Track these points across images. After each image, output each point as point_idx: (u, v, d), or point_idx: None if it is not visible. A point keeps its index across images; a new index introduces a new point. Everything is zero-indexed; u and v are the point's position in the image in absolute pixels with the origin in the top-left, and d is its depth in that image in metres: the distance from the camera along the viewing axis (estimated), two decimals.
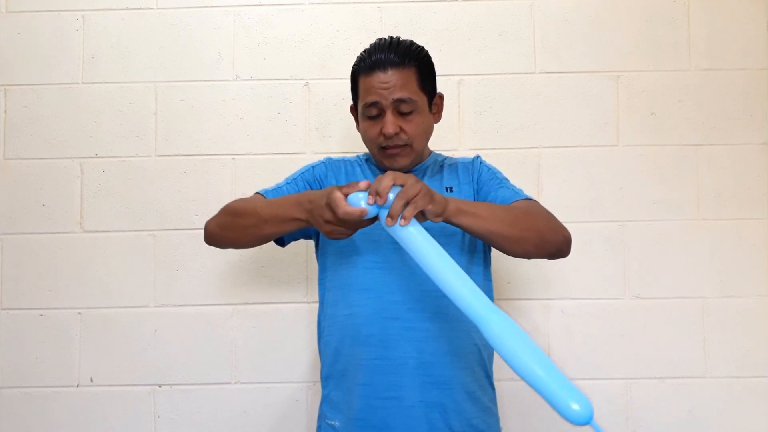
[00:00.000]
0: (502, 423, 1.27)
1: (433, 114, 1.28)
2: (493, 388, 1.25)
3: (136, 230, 1.68)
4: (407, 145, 1.22)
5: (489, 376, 1.24)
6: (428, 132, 1.28)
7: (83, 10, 1.72)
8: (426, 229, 1.04)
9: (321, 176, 1.32)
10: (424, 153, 1.31)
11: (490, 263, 1.29)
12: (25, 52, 1.71)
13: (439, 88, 1.30)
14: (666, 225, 1.67)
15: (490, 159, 1.37)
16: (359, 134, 1.30)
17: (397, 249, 1.07)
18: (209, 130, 1.70)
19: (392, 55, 1.19)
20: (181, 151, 1.70)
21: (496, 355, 1.29)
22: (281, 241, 1.31)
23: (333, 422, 1.21)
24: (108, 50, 1.71)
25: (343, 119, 1.68)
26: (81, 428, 1.64)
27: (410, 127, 1.21)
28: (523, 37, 1.71)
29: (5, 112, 1.70)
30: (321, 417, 1.25)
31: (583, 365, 1.64)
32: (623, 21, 1.71)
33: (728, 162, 1.68)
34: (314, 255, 1.40)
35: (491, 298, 1.28)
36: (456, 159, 1.35)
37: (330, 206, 1.02)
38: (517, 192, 1.25)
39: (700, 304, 1.66)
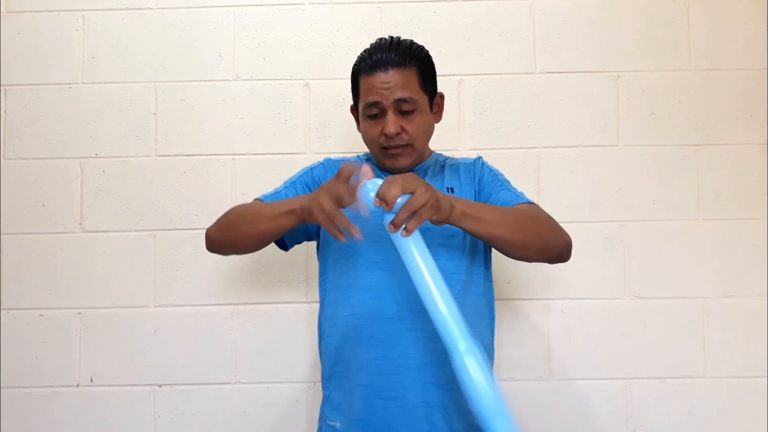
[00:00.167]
0: None
1: (434, 114, 1.29)
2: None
3: (136, 230, 1.68)
4: (408, 145, 1.23)
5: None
6: (429, 132, 1.28)
7: (83, 10, 1.72)
8: (427, 229, 1.04)
9: (320, 178, 1.32)
10: (424, 153, 1.31)
11: (490, 264, 1.29)
12: (25, 52, 1.71)
13: (439, 88, 1.30)
14: (666, 225, 1.67)
15: (490, 159, 1.37)
16: (359, 134, 1.30)
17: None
18: (209, 130, 1.70)
19: (393, 55, 1.19)
20: (181, 151, 1.70)
21: (496, 356, 1.30)
22: (284, 245, 1.31)
23: (334, 423, 1.21)
24: (108, 50, 1.71)
25: (343, 119, 1.68)
26: (81, 428, 1.64)
27: (411, 126, 1.21)
28: (523, 37, 1.71)
29: (5, 112, 1.70)
30: (322, 418, 1.25)
31: (583, 365, 1.64)
32: (623, 21, 1.71)
33: (728, 162, 1.68)
34: (314, 255, 1.40)
35: (491, 298, 1.29)
36: (457, 159, 1.36)
37: (341, 172, 1.03)
38: (518, 195, 1.25)
39: (700, 304, 1.66)
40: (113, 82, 1.71)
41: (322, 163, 1.35)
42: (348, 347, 1.20)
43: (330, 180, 1.06)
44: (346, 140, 1.68)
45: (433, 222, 1.05)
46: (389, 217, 1.02)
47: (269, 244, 1.24)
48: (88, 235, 1.68)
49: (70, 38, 1.71)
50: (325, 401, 1.24)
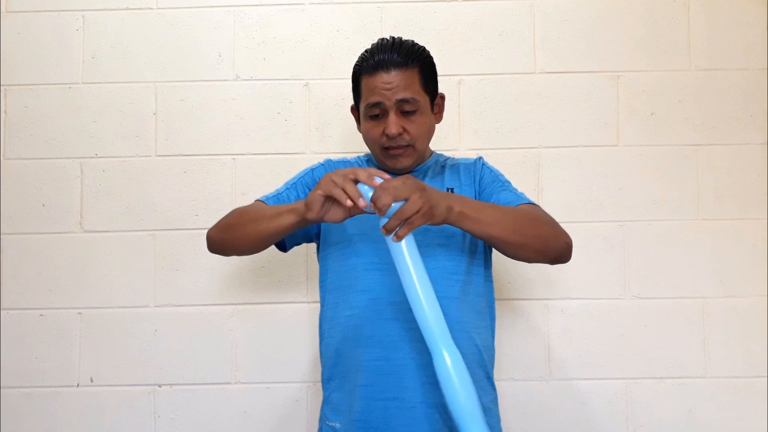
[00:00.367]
0: (502, 423, 1.27)
1: (435, 114, 1.29)
2: (494, 389, 1.25)
3: (136, 230, 1.68)
4: (410, 146, 1.23)
5: (490, 377, 1.24)
6: (430, 132, 1.28)
7: (83, 10, 1.72)
8: (426, 229, 1.04)
9: (320, 178, 1.32)
10: (425, 153, 1.31)
11: (490, 264, 1.29)
12: (25, 52, 1.71)
13: (440, 88, 1.30)
14: (666, 225, 1.67)
15: (490, 159, 1.37)
16: (359, 134, 1.30)
17: None
18: (209, 130, 1.70)
19: (395, 56, 1.19)
20: (181, 151, 1.70)
21: (496, 356, 1.30)
22: (283, 246, 1.31)
23: (334, 424, 1.21)
24: (108, 50, 1.71)
25: (343, 119, 1.68)
26: (81, 428, 1.64)
27: (413, 127, 1.21)
28: (523, 37, 1.71)
29: (5, 112, 1.70)
30: (322, 419, 1.25)
31: (583, 365, 1.64)
32: (623, 21, 1.71)
33: (728, 162, 1.68)
34: (314, 255, 1.40)
35: (492, 298, 1.29)
36: (458, 160, 1.35)
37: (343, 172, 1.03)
38: (519, 195, 1.25)
39: (700, 304, 1.66)
40: (113, 82, 1.71)
41: (322, 164, 1.35)
42: (347, 348, 1.20)
43: (352, 169, 1.06)
44: (346, 140, 1.68)
45: (429, 224, 1.06)
46: (384, 221, 1.02)
47: (270, 246, 1.24)
48: (88, 235, 1.68)
49: (70, 38, 1.71)
50: (325, 402, 1.24)
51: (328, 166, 1.34)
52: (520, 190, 1.29)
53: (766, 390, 1.63)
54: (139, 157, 1.69)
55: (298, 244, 1.34)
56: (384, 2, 1.72)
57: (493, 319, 1.28)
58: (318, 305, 1.32)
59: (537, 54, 1.71)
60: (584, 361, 1.65)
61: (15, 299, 1.66)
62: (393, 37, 1.24)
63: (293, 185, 1.31)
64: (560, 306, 1.66)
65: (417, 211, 1.00)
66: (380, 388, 1.16)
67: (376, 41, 1.25)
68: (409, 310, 1.15)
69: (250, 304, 1.67)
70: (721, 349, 1.64)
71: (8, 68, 1.71)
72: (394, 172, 1.24)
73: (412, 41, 1.25)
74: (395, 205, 1.01)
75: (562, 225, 1.21)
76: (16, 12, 1.72)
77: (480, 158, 1.34)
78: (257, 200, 1.28)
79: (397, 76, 1.19)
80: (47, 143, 1.69)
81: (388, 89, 1.18)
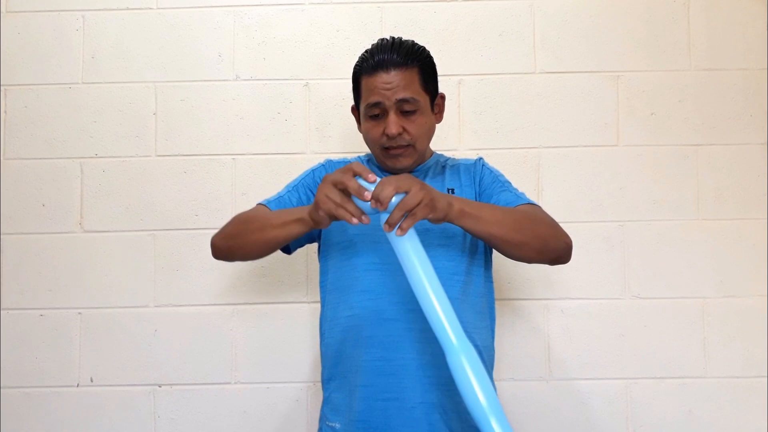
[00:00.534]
0: None
1: (435, 114, 1.29)
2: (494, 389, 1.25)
3: (136, 230, 1.68)
4: (410, 146, 1.23)
5: (490, 377, 1.23)
6: (430, 132, 1.28)
7: (83, 10, 1.72)
8: (426, 230, 1.04)
9: (321, 179, 1.31)
10: (425, 153, 1.31)
11: (491, 264, 1.29)
12: (25, 52, 1.71)
13: (440, 88, 1.30)
14: (666, 225, 1.67)
15: (490, 159, 1.37)
16: (360, 134, 1.30)
17: None
18: (209, 130, 1.70)
19: (395, 56, 1.19)
20: (181, 151, 1.70)
21: (496, 356, 1.30)
22: (287, 249, 1.31)
23: (334, 424, 1.21)
24: (108, 50, 1.71)
25: (343, 119, 1.68)
26: (81, 428, 1.64)
27: (413, 127, 1.21)
28: (523, 37, 1.71)
29: (5, 112, 1.70)
30: (322, 419, 1.25)
31: (583, 365, 1.64)
32: (623, 21, 1.71)
33: (728, 162, 1.68)
34: (314, 255, 1.40)
35: (492, 298, 1.29)
36: (458, 160, 1.35)
37: (351, 167, 1.03)
38: (519, 196, 1.25)
39: (700, 304, 1.66)
40: (113, 82, 1.71)
41: (323, 165, 1.35)
42: (347, 348, 1.20)
43: (334, 171, 1.06)
44: (346, 140, 1.68)
45: (430, 221, 1.05)
46: (385, 217, 1.02)
47: (275, 251, 1.24)
48: (88, 235, 1.68)
49: (70, 38, 1.71)
50: (325, 402, 1.24)
51: (329, 166, 1.34)
52: (520, 190, 1.29)
53: (766, 390, 1.63)
54: (139, 157, 1.69)
55: (302, 245, 1.34)
56: (384, 2, 1.72)
57: (493, 319, 1.28)
58: (318, 305, 1.32)
59: (537, 54, 1.71)
60: (584, 361, 1.65)
61: (15, 299, 1.66)
62: (393, 37, 1.24)
63: (294, 188, 1.31)
64: (560, 306, 1.66)
65: (419, 203, 1.00)
66: (380, 389, 1.16)
67: (376, 41, 1.25)
68: (410, 310, 1.15)
69: (250, 304, 1.67)
70: (721, 349, 1.64)
71: (8, 68, 1.71)
72: (395, 173, 1.24)
73: (412, 41, 1.25)
74: (395, 201, 1.01)
75: (562, 225, 1.21)
76: (16, 12, 1.72)
77: (480, 159, 1.34)
78: (259, 204, 1.28)
79: (397, 76, 1.19)
80: (47, 143, 1.69)
81: (388, 89, 1.18)
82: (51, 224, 1.68)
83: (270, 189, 1.33)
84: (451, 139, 1.68)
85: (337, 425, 1.20)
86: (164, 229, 1.68)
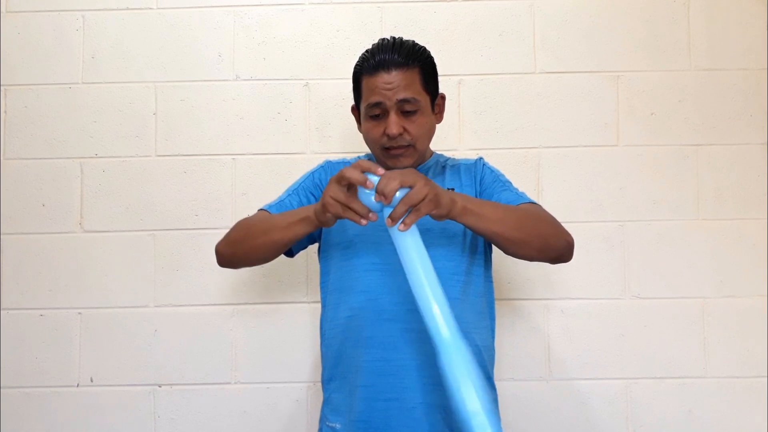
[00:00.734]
0: (502, 424, 1.27)
1: (436, 114, 1.29)
2: (494, 389, 1.25)
3: (136, 230, 1.68)
4: (410, 146, 1.23)
5: (490, 377, 1.24)
6: (431, 132, 1.28)
7: (83, 10, 1.72)
8: (427, 229, 1.04)
9: (321, 181, 1.32)
10: (426, 153, 1.31)
11: (491, 264, 1.29)
12: (25, 52, 1.71)
13: (440, 88, 1.30)
14: (666, 225, 1.67)
15: (490, 159, 1.37)
16: (360, 134, 1.30)
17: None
18: (209, 130, 1.70)
19: (396, 56, 1.19)
20: (181, 151, 1.70)
21: (496, 356, 1.30)
22: (290, 252, 1.31)
23: (334, 425, 1.21)
24: (108, 50, 1.71)
25: (343, 119, 1.68)
26: (81, 428, 1.64)
27: (414, 127, 1.21)
28: (523, 37, 1.71)
29: (5, 112, 1.70)
30: (322, 419, 1.25)
31: (583, 365, 1.64)
32: (623, 21, 1.71)
33: (728, 162, 1.68)
34: (314, 255, 1.40)
35: (492, 298, 1.29)
36: (458, 160, 1.35)
37: (359, 164, 1.03)
38: (520, 195, 1.25)
39: (700, 304, 1.66)
40: (113, 82, 1.71)
41: (322, 166, 1.35)
42: (348, 349, 1.20)
43: (340, 171, 1.05)
44: (346, 140, 1.68)
45: (433, 217, 1.05)
46: (389, 212, 1.02)
47: (280, 255, 1.24)
48: (88, 235, 1.68)
49: (70, 38, 1.71)
50: (326, 403, 1.24)
51: (328, 167, 1.34)
52: (520, 190, 1.29)
53: (766, 390, 1.63)
54: (139, 157, 1.69)
55: (304, 248, 1.34)
56: (384, 2, 1.72)
57: (493, 319, 1.28)
58: (318, 306, 1.32)
59: (537, 54, 1.71)
60: (584, 361, 1.65)
61: (15, 299, 1.66)
62: (393, 38, 1.24)
63: (295, 191, 1.31)
64: (560, 306, 1.66)
65: (424, 198, 1.00)
66: (380, 389, 1.16)
67: (376, 41, 1.25)
68: (410, 311, 1.15)
69: (250, 304, 1.67)
70: (721, 349, 1.64)
71: (8, 68, 1.71)
72: None
73: (413, 41, 1.25)
74: (399, 195, 1.00)
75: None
76: (16, 12, 1.72)
77: (480, 158, 1.34)
78: (260, 210, 1.28)
79: (397, 76, 1.19)
80: (47, 143, 1.69)
81: (389, 89, 1.18)
82: (51, 224, 1.68)
83: (270, 189, 1.33)
84: (451, 139, 1.68)
85: (338, 425, 1.20)
86: (164, 229, 1.68)
